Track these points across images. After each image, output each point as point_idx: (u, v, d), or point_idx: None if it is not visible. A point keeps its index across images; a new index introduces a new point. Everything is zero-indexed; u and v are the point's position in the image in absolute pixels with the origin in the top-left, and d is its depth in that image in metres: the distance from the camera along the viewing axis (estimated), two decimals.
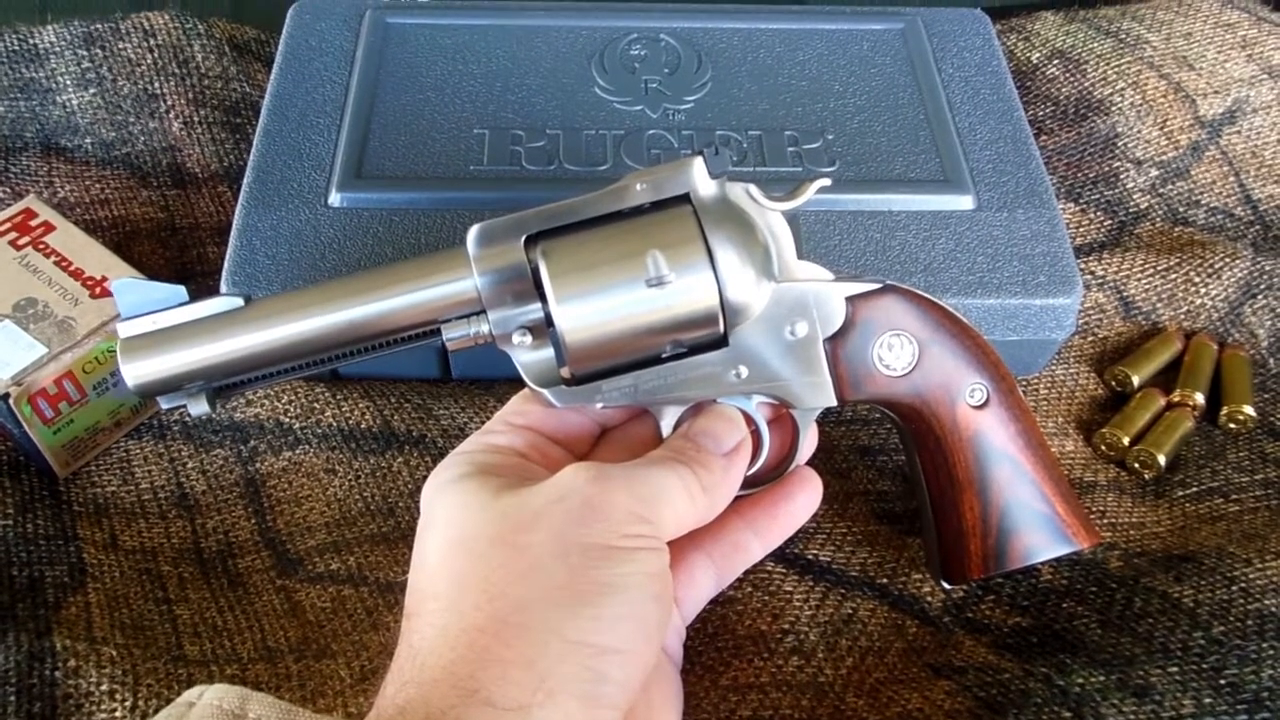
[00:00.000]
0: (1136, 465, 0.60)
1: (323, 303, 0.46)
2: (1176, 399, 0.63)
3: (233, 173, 0.71)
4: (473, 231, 0.46)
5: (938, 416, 0.48)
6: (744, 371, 0.47)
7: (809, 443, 0.50)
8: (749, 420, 0.48)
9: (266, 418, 0.59)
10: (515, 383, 0.61)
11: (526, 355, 0.47)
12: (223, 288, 0.58)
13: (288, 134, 0.64)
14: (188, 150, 0.72)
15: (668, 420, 0.48)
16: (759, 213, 0.47)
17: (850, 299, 0.47)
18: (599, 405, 0.47)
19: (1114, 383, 0.64)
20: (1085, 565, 0.54)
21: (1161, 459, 0.59)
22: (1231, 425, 0.62)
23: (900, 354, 0.48)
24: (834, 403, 0.48)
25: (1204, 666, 0.48)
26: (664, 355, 0.46)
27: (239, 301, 0.47)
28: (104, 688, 0.47)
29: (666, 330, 0.45)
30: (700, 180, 0.46)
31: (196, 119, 0.72)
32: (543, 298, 0.45)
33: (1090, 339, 0.66)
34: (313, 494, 0.57)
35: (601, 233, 0.46)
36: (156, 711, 0.46)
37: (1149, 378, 0.64)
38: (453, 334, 0.46)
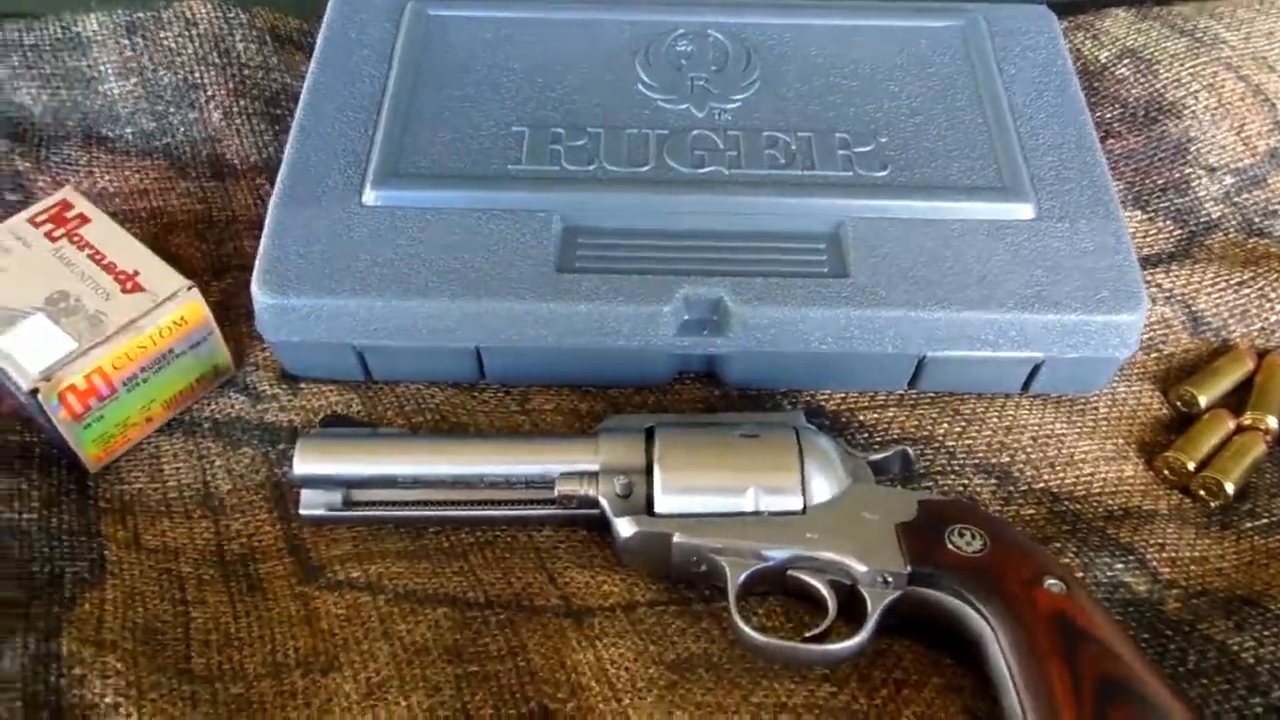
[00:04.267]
0: (1202, 493, 0.57)
1: (465, 452, 0.53)
2: (1247, 422, 0.59)
3: (272, 165, 0.70)
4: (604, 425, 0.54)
5: (1014, 597, 0.47)
6: (815, 536, 0.50)
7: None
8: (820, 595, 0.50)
9: (300, 423, 0.58)
10: (546, 388, 0.60)
11: (616, 503, 0.51)
12: (253, 285, 0.57)
13: (324, 129, 0.63)
14: (227, 141, 0.71)
15: (732, 579, 0.49)
16: (845, 456, 0.53)
17: (922, 501, 0.51)
18: (675, 538, 0.50)
19: (1179, 403, 0.61)
20: (1140, 606, 0.52)
21: (1229, 487, 0.56)
22: None
23: (972, 543, 0.49)
24: (903, 568, 0.48)
25: None
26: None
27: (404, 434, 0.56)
28: (108, 700, 0.46)
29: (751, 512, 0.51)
30: (801, 422, 0.54)
31: (236, 110, 0.71)
32: (650, 485, 0.51)
33: (1155, 356, 0.63)
34: None
35: (712, 442, 0.52)
36: None
37: (1217, 398, 0.61)
38: (564, 488, 0.52)
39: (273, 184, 0.67)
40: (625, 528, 0.50)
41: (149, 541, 0.54)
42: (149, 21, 0.72)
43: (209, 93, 0.71)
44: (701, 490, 0.51)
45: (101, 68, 0.70)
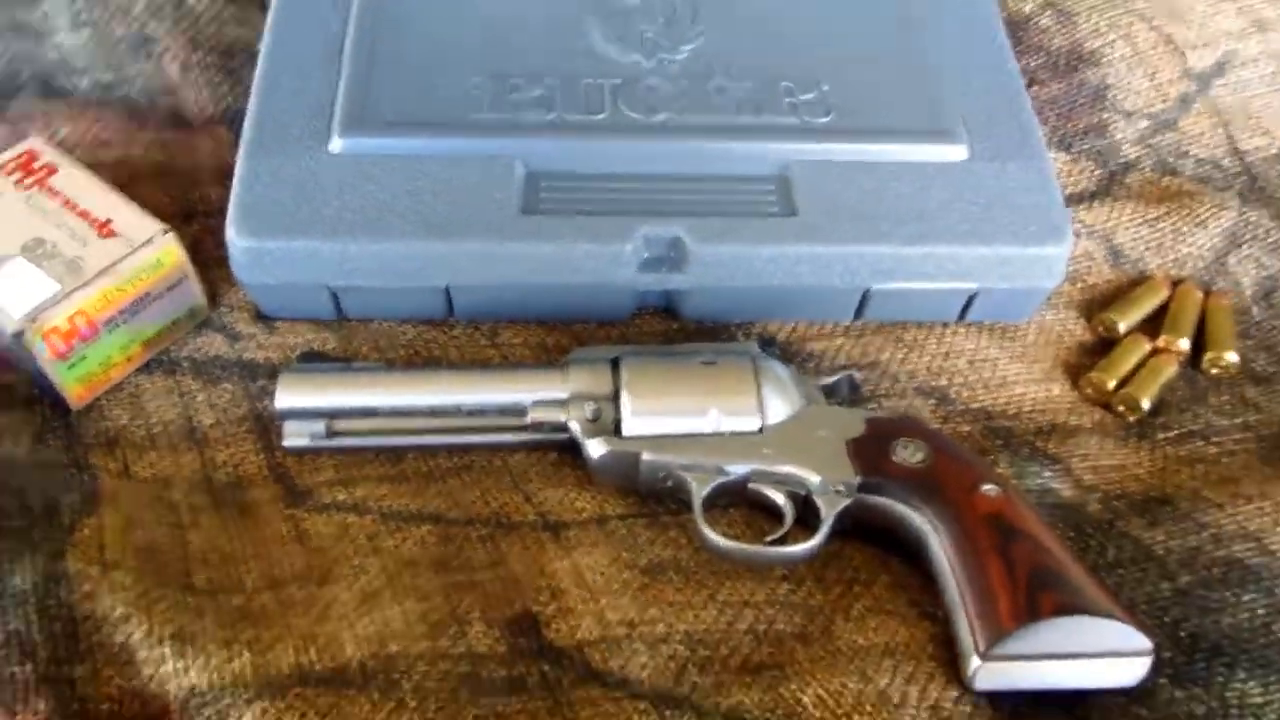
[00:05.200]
0: (1120, 408, 0.62)
1: (441, 383, 0.56)
2: (1161, 345, 0.64)
3: (230, 115, 0.72)
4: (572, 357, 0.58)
5: (954, 501, 0.51)
6: (772, 452, 0.54)
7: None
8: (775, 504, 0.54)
9: (278, 360, 0.60)
10: (515, 324, 0.63)
11: (587, 427, 0.55)
12: (228, 229, 0.58)
13: (287, 79, 0.64)
14: (185, 92, 0.72)
15: (697, 492, 0.53)
16: (799, 380, 0.57)
17: (869, 419, 0.55)
18: (643, 456, 0.53)
19: (1101, 329, 0.66)
20: (1065, 508, 0.57)
21: (1145, 402, 0.61)
22: (1214, 370, 0.64)
23: (915, 453, 0.53)
24: (854, 478, 0.53)
25: (1165, 620, 0.51)
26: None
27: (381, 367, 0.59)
28: (119, 611, 0.49)
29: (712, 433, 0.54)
30: (755, 351, 0.57)
31: (193, 61, 0.72)
32: (617, 410, 0.55)
33: (1079, 286, 0.68)
34: None
35: (675, 370, 0.56)
36: (172, 636, 0.48)
37: (1135, 324, 0.66)
38: (537, 415, 0.55)
39: (233, 134, 0.68)
40: (596, 449, 0.54)
41: (139, 472, 0.56)
42: None
43: (163, 45, 0.72)
44: (666, 413, 0.54)
45: (53, 21, 0.71)
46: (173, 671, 0.47)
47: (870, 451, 0.54)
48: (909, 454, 0.53)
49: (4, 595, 0.48)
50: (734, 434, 0.54)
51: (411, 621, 0.49)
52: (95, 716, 0.46)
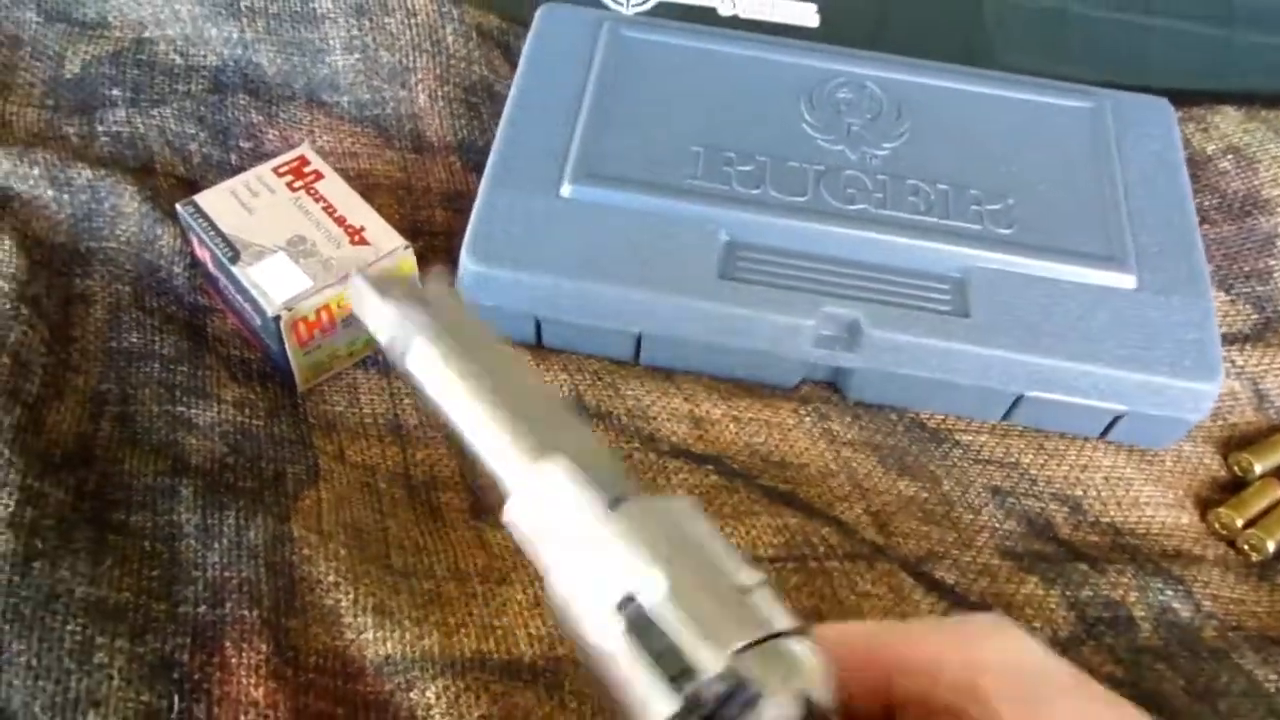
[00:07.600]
0: (1246, 547, 0.65)
1: None
2: None
3: (465, 146, 0.80)
4: None
5: None
6: None
7: None
8: None
9: None
10: (693, 374, 0.70)
11: None
12: (462, 255, 0.66)
13: (529, 125, 0.72)
14: (428, 120, 0.81)
15: None
16: None
17: None
18: None
19: (1237, 468, 0.69)
20: (1183, 629, 0.60)
21: (1271, 545, 0.65)
22: None
23: None
24: None
25: None
26: None
27: None
28: (330, 579, 0.56)
29: None
30: None
31: (440, 94, 0.81)
32: None
33: (1221, 423, 0.71)
34: None
35: None
36: (374, 608, 0.54)
37: (1271, 468, 0.69)
38: None
39: (464, 163, 0.77)
40: None
41: (351, 457, 0.64)
42: (375, 7, 0.81)
43: (419, 76, 0.81)
44: None
45: (330, 42, 0.80)
46: (371, 639, 0.54)
47: None
48: None
49: (241, 545, 0.56)
50: None
51: None
52: (303, 667, 0.53)
